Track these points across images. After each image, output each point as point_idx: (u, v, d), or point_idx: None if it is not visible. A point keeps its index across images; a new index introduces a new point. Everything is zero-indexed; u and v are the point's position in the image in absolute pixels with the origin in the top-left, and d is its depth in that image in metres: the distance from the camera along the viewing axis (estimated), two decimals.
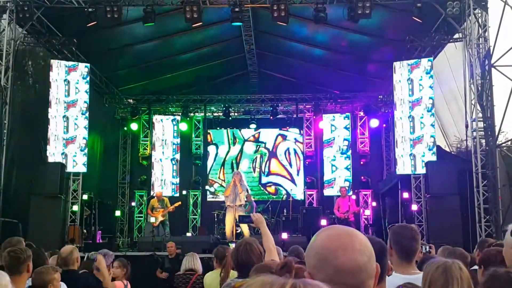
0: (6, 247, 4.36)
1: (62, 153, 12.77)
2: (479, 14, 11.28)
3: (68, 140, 12.88)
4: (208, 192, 17.87)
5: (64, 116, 12.89)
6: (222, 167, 18.03)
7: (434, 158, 12.31)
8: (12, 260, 3.84)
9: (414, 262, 3.11)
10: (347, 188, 15.07)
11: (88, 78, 13.31)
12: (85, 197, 13.74)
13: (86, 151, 13.10)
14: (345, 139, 16.93)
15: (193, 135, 18.13)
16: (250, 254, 3.42)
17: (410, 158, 12.74)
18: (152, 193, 16.57)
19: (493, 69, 11.15)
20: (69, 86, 12.97)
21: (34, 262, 3.98)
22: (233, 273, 4.28)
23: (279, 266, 1.85)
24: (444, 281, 2.55)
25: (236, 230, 12.21)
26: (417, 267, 3.14)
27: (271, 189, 17.85)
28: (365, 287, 1.44)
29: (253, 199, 13.85)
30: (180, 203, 14.27)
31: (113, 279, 5.66)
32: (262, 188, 17.83)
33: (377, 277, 1.49)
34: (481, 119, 11.32)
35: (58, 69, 12.88)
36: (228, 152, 18.20)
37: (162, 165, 17.16)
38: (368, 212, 15.79)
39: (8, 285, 3.10)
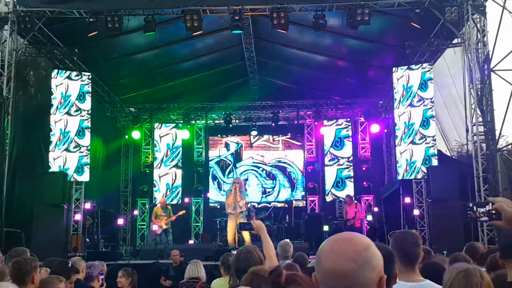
0: (12, 257, 4.38)
1: (65, 162, 12.83)
2: (478, 19, 11.32)
3: (70, 149, 12.94)
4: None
5: (66, 126, 12.96)
6: None
7: (435, 163, 12.35)
8: (16, 271, 3.85)
9: (417, 268, 3.07)
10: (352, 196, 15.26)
11: (89, 88, 13.39)
12: (87, 205, 13.76)
13: (88, 160, 13.16)
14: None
15: (194, 143, 18.20)
16: (250, 262, 3.45)
17: (410, 163, 12.78)
18: (154, 201, 16.62)
19: (492, 73, 11.18)
20: (70, 95, 13.05)
21: (60, 273, 4.01)
22: None
23: (269, 271, 1.88)
24: (464, 287, 2.55)
25: (238, 237, 12.24)
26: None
27: None
28: None
29: (250, 206, 13.96)
30: (184, 212, 14.32)
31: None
32: None
33: None
34: (481, 123, 11.33)
35: (59, 79, 12.96)
36: None
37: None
38: (370, 217, 15.79)
39: None
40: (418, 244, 3.09)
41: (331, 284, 1.45)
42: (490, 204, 2.13)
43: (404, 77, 12.98)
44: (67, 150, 12.89)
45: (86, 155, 13.11)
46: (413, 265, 3.03)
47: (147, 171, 17.46)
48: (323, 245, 1.52)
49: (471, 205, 2.21)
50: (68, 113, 12.98)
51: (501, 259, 3.02)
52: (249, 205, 13.64)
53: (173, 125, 17.93)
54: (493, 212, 2.09)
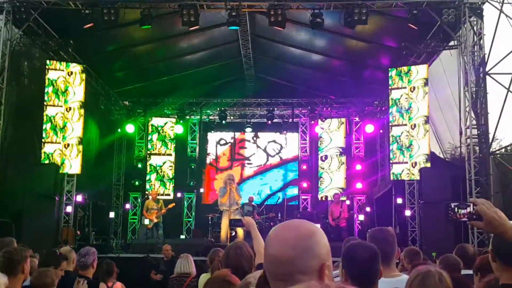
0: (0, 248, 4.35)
1: (57, 154, 12.74)
2: (475, 22, 11.35)
3: (63, 141, 12.86)
4: None
5: (59, 117, 12.87)
6: None
7: (428, 164, 12.38)
8: (6, 261, 3.82)
9: (394, 264, 3.16)
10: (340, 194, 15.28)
11: (84, 80, 13.31)
12: (79, 198, 13.70)
13: (81, 152, 13.07)
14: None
15: (188, 138, 18.17)
16: (241, 258, 3.45)
17: (404, 164, 12.81)
18: (147, 194, 16.59)
19: (487, 76, 11.22)
20: (64, 87, 12.96)
21: (48, 264, 3.97)
22: None
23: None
24: None
25: (231, 233, 12.23)
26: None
27: None
28: (295, 281, 1.40)
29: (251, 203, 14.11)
30: (174, 204, 14.28)
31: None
32: None
33: (321, 276, 1.45)
34: (475, 126, 11.37)
35: (54, 70, 12.87)
36: None
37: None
38: (362, 217, 15.84)
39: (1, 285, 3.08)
40: (389, 240, 3.19)
41: (273, 271, 1.47)
42: (472, 205, 2.13)
43: (399, 78, 12.98)
44: (59, 141, 12.74)
45: (79, 147, 12.94)
46: (390, 262, 3.12)
47: (140, 166, 17.40)
48: (271, 231, 1.54)
49: (452, 205, 2.22)
50: (61, 104, 12.84)
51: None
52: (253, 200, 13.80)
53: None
54: (474, 213, 2.10)
